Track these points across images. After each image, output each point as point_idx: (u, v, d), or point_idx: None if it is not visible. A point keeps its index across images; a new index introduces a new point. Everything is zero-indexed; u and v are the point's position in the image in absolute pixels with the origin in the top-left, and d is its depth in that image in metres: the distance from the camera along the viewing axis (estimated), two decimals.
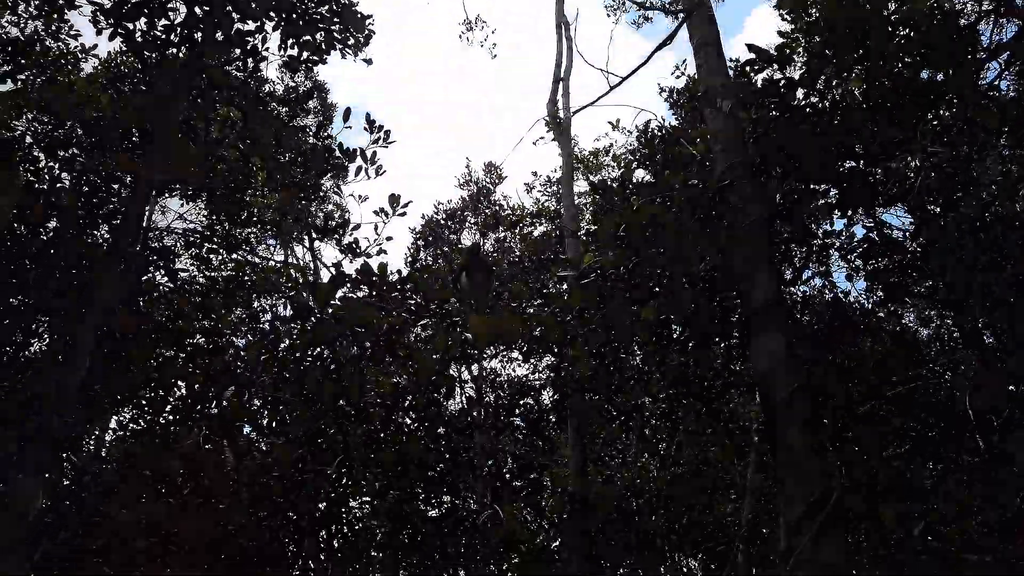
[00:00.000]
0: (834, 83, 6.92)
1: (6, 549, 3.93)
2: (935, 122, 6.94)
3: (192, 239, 11.10)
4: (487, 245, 19.57)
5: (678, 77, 16.87)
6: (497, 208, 19.65)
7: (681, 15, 6.86)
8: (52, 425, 4.48)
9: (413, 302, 8.10)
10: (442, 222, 17.94)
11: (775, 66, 6.14)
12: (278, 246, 20.31)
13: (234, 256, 11.64)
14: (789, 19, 7.04)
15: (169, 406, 6.63)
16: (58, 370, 5.25)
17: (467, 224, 18.84)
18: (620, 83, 7.88)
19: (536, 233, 19.86)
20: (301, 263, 20.14)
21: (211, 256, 11.02)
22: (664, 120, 13.74)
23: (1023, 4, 7.48)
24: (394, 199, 7.49)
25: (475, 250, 14.38)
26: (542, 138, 11.60)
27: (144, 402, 6.44)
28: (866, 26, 6.32)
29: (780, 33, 7.92)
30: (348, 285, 7.76)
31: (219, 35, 8.55)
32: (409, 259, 16.02)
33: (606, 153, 13.76)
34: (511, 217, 19.91)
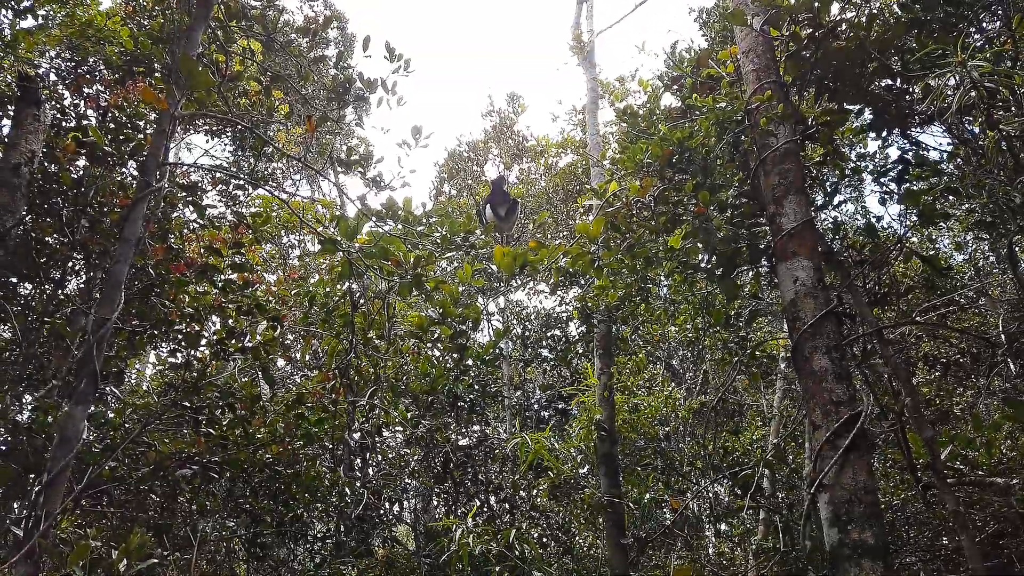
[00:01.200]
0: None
1: (56, 477, 4.13)
2: (977, 35, 6.63)
3: (218, 176, 11.16)
4: (512, 176, 19.41)
5: None
6: (521, 139, 19.40)
7: None
8: (92, 358, 4.62)
9: (438, 235, 8.13)
10: (465, 154, 17.77)
11: None
12: (304, 180, 20.38)
13: (261, 191, 11.72)
14: None
15: (204, 340, 6.79)
16: (95, 307, 5.39)
17: (491, 156, 18.66)
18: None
19: (561, 164, 19.64)
20: (327, 198, 20.22)
21: (238, 192, 11.12)
22: (693, 42, 13.32)
23: None
24: (416, 131, 7.40)
25: (500, 182, 14.28)
26: (565, 63, 11.29)
27: (180, 336, 6.59)
28: None
29: None
30: (373, 219, 7.80)
31: None
32: (434, 192, 15.96)
33: (632, 78, 13.38)
34: (536, 148, 19.66)
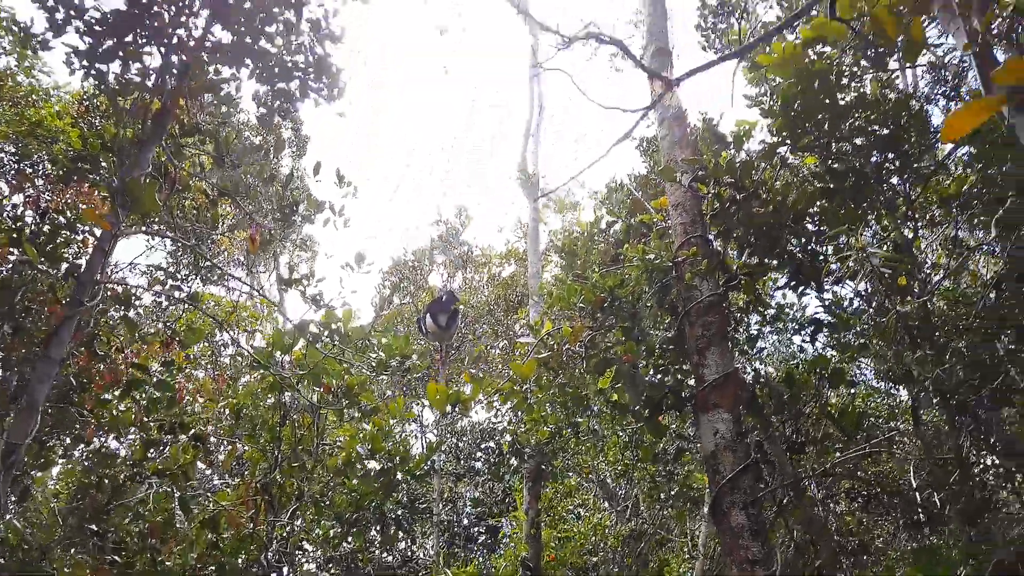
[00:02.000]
0: (788, 161, 7.21)
1: None
2: (885, 201, 7.25)
3: (155, 277, 11.05)
4: (455, 284, 19.66)
5: (649, 126, 17.31)
6: (466, 249, 19.81)
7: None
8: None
9: (375, 357, 8.16)
10: (411, 263, 18.02)
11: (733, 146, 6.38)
12: (245, 277, 20.20)
13: (197, 290, 11.62)
14: (753, 99, 7.34)
15: (119, 459, 6.55)
16: (7, 430, 5.19)
17: (436, 264, 18.95)
18: (583, 171, 8.05)
19: (505, 274, 20.03)
20: (267, 296, 20.05)
21: (174, 292, 10.98)
22: (633, 176, 14.03)
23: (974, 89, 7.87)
24: (360, 257, 7.58)
25: (442, 292, 14.45)
26: (510, 194, 11.78)
27: (93, 456, 6.35)
28: (820, 112, 6.61)
29: (746, 96, 8.22)
30: (310, 336, 7.81)
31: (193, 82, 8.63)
32: (376, 300, 16.04)
33: (574, 207, 13.99)
34: (480, 258, 20.07)
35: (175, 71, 8.44)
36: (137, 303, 8.16)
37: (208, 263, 10.08)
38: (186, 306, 10.29)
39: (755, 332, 7.19)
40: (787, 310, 7.34)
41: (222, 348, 17.43)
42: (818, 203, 6.62)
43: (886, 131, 6.83)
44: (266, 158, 8.50)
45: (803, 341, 6.56)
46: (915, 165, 6.89)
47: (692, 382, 5.94)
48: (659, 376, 5.93)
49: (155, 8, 8.32)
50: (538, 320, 6.64)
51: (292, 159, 19.20)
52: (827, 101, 6.58)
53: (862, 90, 7.12)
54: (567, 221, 19.96)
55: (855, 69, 6.98)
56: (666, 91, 6.16)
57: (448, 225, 19.11)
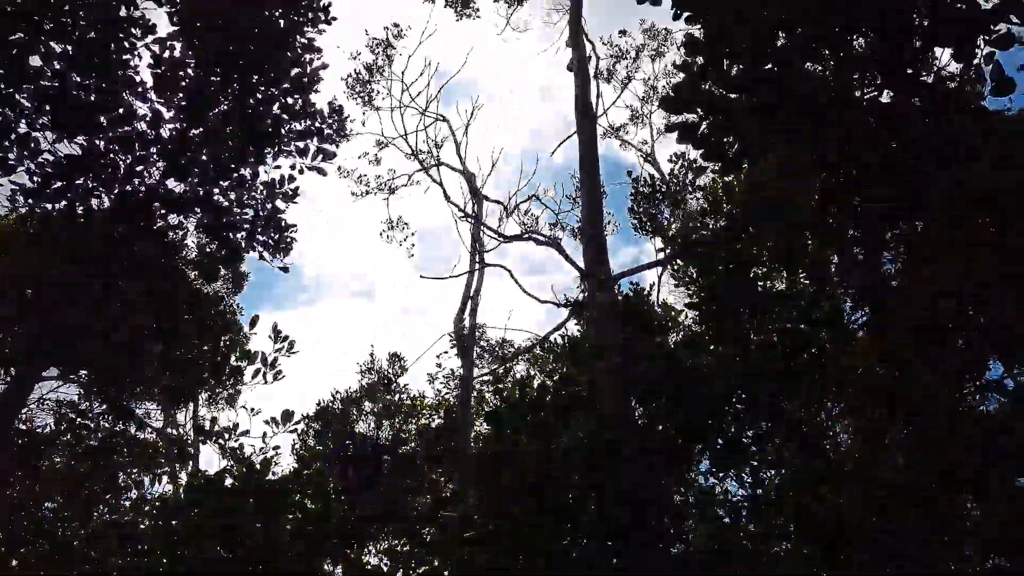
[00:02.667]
0: (711, 348, 7.62)
1: None
2: (802, 390, 7.67)
3: (64, 414, 10.53)
4: (382, 433, 19.21)
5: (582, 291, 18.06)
6: (397, 397, 19.54)
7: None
8: None
9: (292, 516, 7.82)
10: (337, 410, 17.62)
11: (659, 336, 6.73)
12: (160, 414, 19.31)
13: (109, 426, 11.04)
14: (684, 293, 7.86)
15: None
16: None
17: (363, 412, 18.56)
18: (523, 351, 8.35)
19: (433, 425, 19.71)
20: (184, 436, 19.14)
21: (82, 431, 10.44)
22: (566, 339, 14.41)
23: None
24: (287, 415, 7.46)
25: (366, 442, 14.12)
26: (445, 352, 11.97)
27: None
28: (741, 306, 7.11)
29: (674, 278, 8.75)
30: (224, 492, 7.48)
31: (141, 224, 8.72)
32: (297, 448, 15.47)
33: (508, 374, 14.21)
34: (409, 407, 19.78)
35: (123, 213, 8.55)
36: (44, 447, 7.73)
37: (124, 406, 9.69)
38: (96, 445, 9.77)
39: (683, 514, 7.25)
40: (712, 494, 7.47)
41: (126, 490, 16.31)
42: (740, 392, 6.95)
43: (802, 325, 7.35)
44: (206, 308, 8.46)
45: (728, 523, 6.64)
46: (823, 361, 7.36)
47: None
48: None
49: (111, 156, 8.55)
50: (463, 491, 6.57)
51: (227, 295, 19.08)
52: (747, 296, 7.10)
53: (779, 287, 7.72)
54: (500, 373, 20.11)
55: (773, 267, 7.60)
56: (598, 289, 6.56)
57: (380, 372, 18.95)
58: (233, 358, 8.44)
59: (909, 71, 4.54)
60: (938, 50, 5.02)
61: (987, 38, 4.32)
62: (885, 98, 5.25)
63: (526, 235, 6.40)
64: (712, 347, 7.30)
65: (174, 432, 16.31)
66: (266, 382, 8.43)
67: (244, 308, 21.05)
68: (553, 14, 19.79)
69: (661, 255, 7.54)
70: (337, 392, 18.02)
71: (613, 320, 6.86)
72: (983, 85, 4.44)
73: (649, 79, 21.84)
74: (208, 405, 18.83)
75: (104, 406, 12.29)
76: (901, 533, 5.75)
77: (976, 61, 4.35)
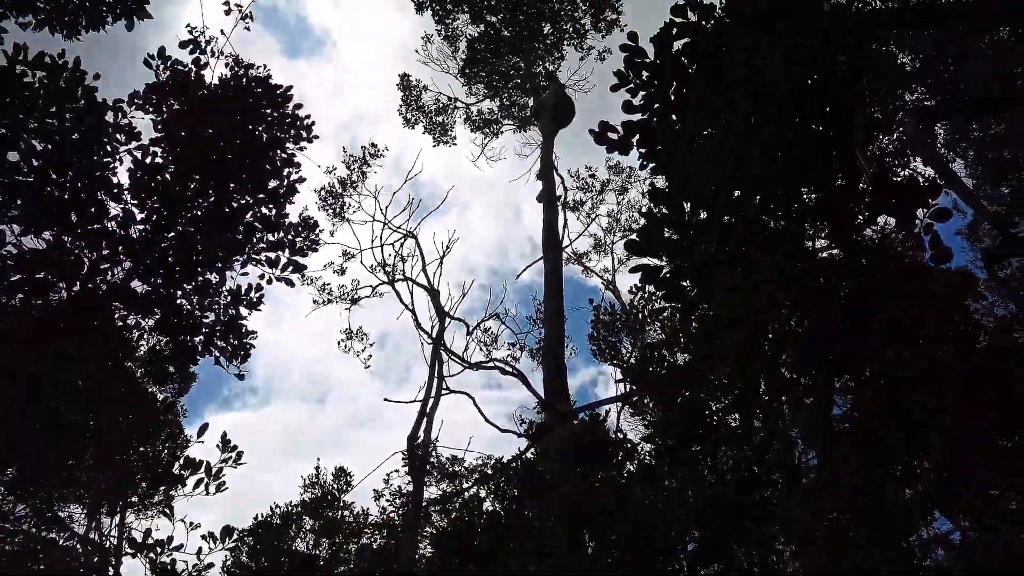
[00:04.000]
0: (665, 483, 7.63)
1: None
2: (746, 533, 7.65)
3: None
4: (322, 551, 18.32)
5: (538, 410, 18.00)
6: (340, 514, 18.79)
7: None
8: None
9: None
10: (276, 525, 16.82)
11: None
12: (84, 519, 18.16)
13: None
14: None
15: None
16: None
17: (304, 528, 17.75)
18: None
19: (375, 546, 18.90)
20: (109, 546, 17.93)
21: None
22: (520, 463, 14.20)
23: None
24: (227, 531, 7.14)
25: (304, 563, 13.45)
26: (396, 471, 11.69)
27: None
28: (693, 443, 7.19)
29: (631, 407, 8.81)
30: None
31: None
32: (229, 567, 14.63)
33: (460, 495, 13.87)
34: (352, 526, 19.01)
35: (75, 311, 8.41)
36: None
37: (50, 510, 9.15)
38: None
39: None
40: None
41: None
42: (693, 530, 6.92)
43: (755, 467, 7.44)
44: (147, 410, 8.23)
45: None
46: (774, 502, 7.41)
47: None
48: None
49: (76, 252, 8.51)
50: None
51: (172, 396, 18.48)
52: (701, 433, 7.20)
53: (730, 425, 7.85)
54: (450, 494, 19.54)
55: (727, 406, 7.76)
56: (562, 422, 6.61)
57: (325, 487, 18.29)
58: (177, 466, 8.12)
59: (854, 235, 4.90)
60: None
61: (926, 210, 4.71)
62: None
63: (490, 363, 6.44)
64: (667, 481, 7.31)
65: (99, 539, 15.28)
66: (208, 493, 8.11)
67: (188, 408, 20.41)
68: (526, 147, 20.77)
69: (620, 385, 7.66)
70: (277, 506, 17.27)
71: (569, 449, 6.86)
72: (923, 253, 4.79)
73: (613, 212, 22.82)
74: (138, 513, 17.84)
75: (27, 509, 11.58)
76: None
77: (916, 230, 4.71)
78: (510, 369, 6.32)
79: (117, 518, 16.30)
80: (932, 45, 13.92)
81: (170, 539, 7.80)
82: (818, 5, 5.59)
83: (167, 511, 7.08)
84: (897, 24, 7.75)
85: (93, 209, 8.45)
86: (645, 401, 7.61)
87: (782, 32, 5.29)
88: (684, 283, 5.35)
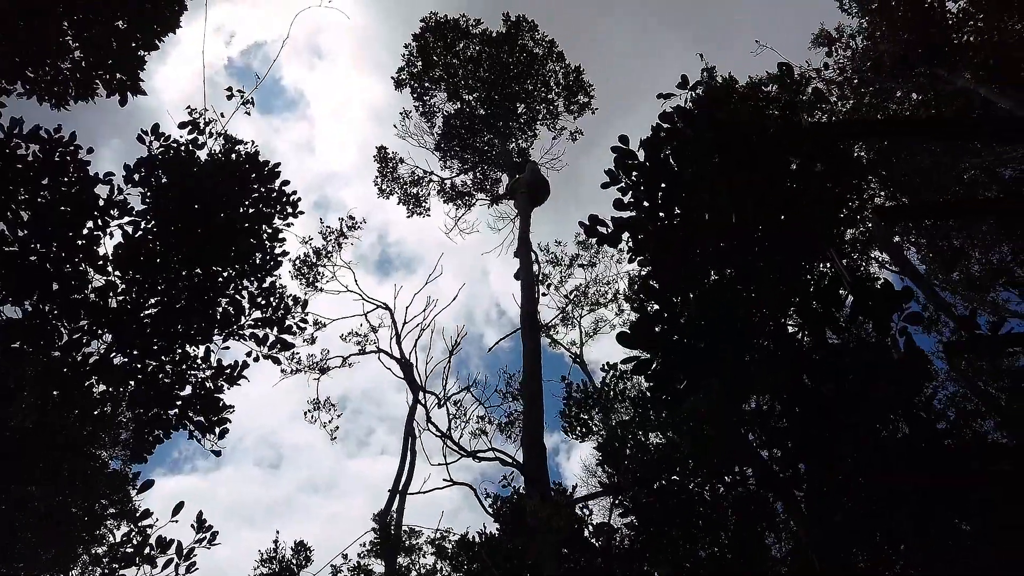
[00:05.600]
0: (645, 570, 7.67)
1: None
2: None
3: None
4: None
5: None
6: None
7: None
8: None
9: None
10: None
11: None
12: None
13: None
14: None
15: None
16: None
17: None
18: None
19: None
20: None
21: None
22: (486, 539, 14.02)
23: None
24: None
25: None
26: (363, 544, 11.44)
27: None
28: (673, 530, 7.29)
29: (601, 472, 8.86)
30: None
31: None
32: None
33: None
34: None
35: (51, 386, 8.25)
36: None
37: None
38: None
39: None
40: None
41: None
42: None
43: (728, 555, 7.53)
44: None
45: None
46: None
47: None
48: None
49: (54, 323, 8.41)
50: None
51: (124, 466, 17.80)
52: (679, 520, 7.31)
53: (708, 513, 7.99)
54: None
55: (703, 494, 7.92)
56: (544, 508, 6.68)
57: (284, 563, 17.69)
58: (148, 547, 7.86)
59: (832, 337, 5.19)
60: None
61: (900, 314, 5.03)
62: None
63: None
64: (646, 568, 7.36)
65: None
66: (178, 574, 7.85)
67: (141, 478, 19.61)
68: (498, 221, 21.18)
69: (589, 456, 7.70)
70: None
71: (553, 536, 6.89)
72: (897, 353, 5.09)
73: (580, 286, 23.21)
74: None
75: None
76: None
77: (892, 332, 5.02)
78: (511, 460, 6.32)
79: None
80: (884, 143, 14.84)
81: None
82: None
83: None
84: (848, 136, 8.33)
85: (74, 282, 8.41)
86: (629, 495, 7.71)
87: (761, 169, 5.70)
88: (673, 375, 5.55)
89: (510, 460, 6.44)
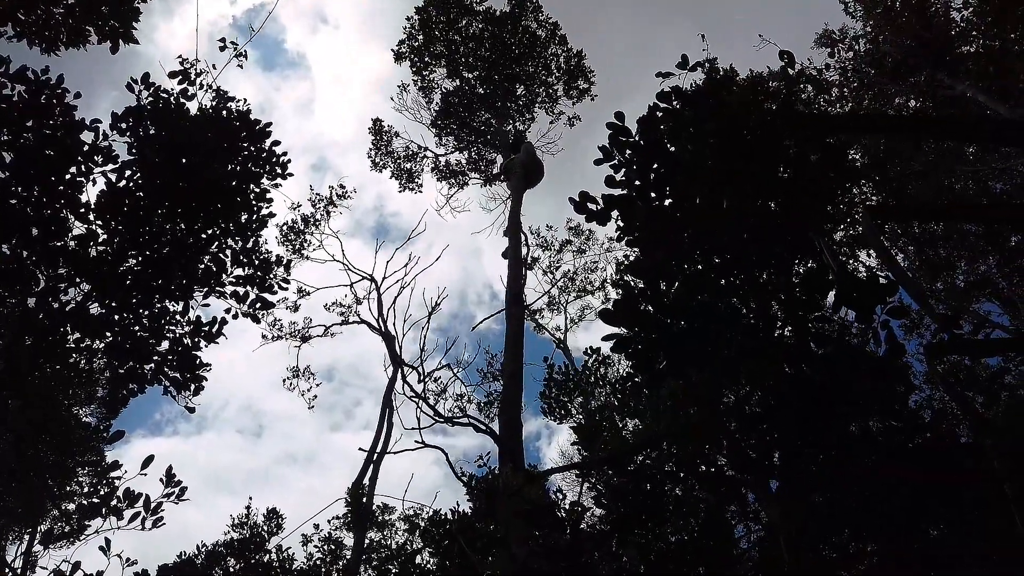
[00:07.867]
0: (615, 551, 7.69)
1: None
2: None
3: None
4: None
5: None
6: (267, 558, 18.10)
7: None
8: None
9: None
10: (200, 564, 16.12)
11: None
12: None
13: None
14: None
15: None
16: None
17: (228, 570, 17.00)
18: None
19: None
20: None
21: None
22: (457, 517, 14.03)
23: None
24: (164, 572, 6.88)
25: None
26: (337, 517, 11.41)
27: None
28: (644, 513, 7.31)
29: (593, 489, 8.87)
30: None
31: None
32: None
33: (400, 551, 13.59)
34: (278, 571, 18.31)
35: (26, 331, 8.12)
36: None
37: None
38: None
39: None
40: None
41: None
42: None
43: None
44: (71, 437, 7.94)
45: None
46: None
47: None
48: None
49: (32, 268, 8.27)
50: None
51: (100, 421, 17.70)
52: (650, 504, 7.32)
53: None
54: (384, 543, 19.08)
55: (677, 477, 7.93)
56: (517, 483, 6.66)
57: (255, 528, 17.65)
58: (115, 499, 7.79)
59: (812, 328, 5.18)
60: None
61: (883, 307, 5.02)
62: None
63: (463, 419, 6.43)
64: (617, 549, 7.37)
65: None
66: (144, 528, 7.79)
67: (113, 431, 19.51)
68: (490, 202, 21.08)
69: (565, 441, 7.71)
70: (203, 545, 16.55)
71: (522, 511, 6.88)
72: (879, 346, 5.09)
73: (569, 272, 23.20)
74: (45, 544, 16.83)
75: None
76: None
77: (874, 324, 5.01)
78: (484, 428, 6.32)
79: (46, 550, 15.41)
80: (880, 146, 14.85)
81: (100, 574, 7.45)
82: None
83: (103, 547, 6.76)
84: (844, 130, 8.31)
85: (54, 227, 8.26)
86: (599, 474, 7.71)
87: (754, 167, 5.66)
88: (654, 355, 5.52)
89: (484, 428, 6.43)
